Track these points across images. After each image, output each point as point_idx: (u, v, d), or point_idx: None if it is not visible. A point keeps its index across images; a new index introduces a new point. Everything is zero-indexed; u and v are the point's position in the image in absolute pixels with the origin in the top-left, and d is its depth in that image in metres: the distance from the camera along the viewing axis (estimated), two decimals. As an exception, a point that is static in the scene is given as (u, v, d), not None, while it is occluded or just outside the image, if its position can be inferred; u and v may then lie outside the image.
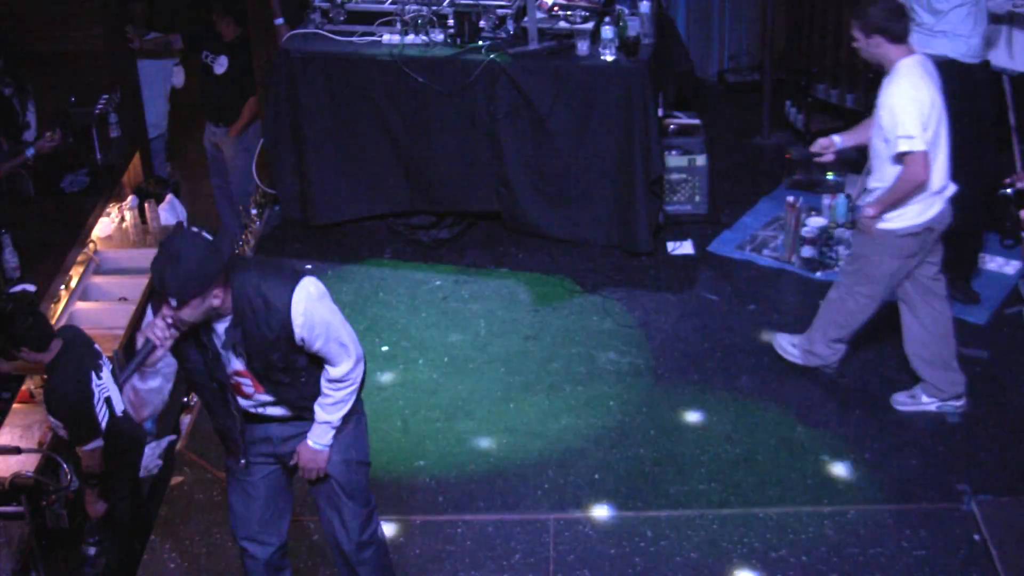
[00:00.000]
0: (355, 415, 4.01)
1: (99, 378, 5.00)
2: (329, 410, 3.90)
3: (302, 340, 3.71)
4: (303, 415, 3.94)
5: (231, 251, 3.58)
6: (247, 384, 3.82)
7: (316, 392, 3.89)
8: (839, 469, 5.10)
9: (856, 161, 5.76)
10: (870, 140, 5.07)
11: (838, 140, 5.25)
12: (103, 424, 4.89)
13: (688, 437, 5.33)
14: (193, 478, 5.24)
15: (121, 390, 3.86)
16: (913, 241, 5.06)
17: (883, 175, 4.99)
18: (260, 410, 3.92)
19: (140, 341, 3.59)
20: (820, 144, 5.28)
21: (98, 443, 4.87)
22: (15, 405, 5.54)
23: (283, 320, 3.66)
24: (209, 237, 3.56)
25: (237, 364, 3.77)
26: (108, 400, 5.02)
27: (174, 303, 3.47)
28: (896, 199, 4.94)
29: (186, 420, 5.77)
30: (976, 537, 4.68)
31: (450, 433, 5.41)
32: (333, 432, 3.93)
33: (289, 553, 4.78)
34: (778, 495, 4.98)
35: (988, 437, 5.22)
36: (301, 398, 3.90)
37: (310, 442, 3.93)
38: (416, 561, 4.73)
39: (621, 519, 4.90)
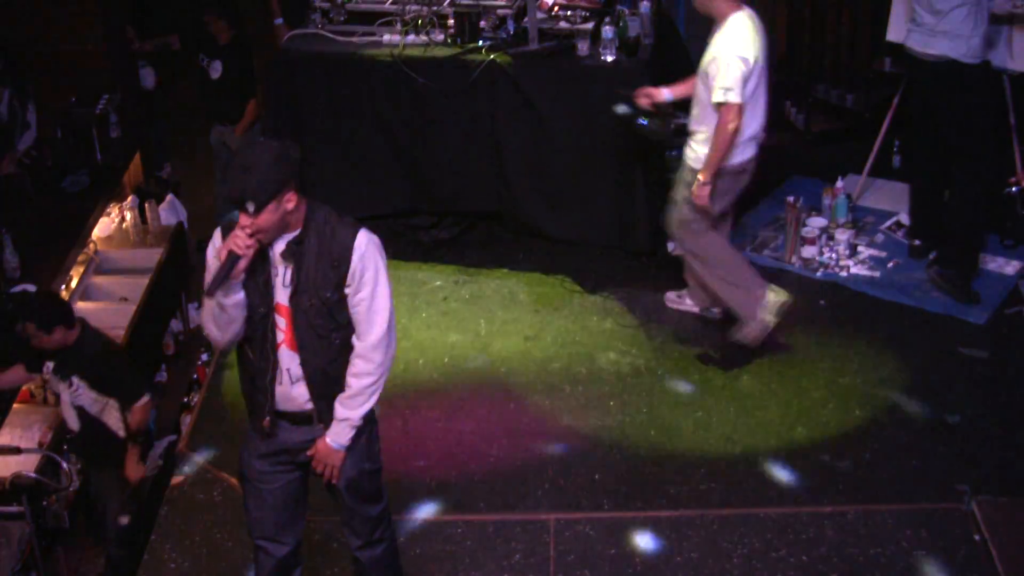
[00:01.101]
0: (370, 424, 3.96)
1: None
2: (349, 405, 3.81)
3: (351, 280, 3.67)
4: (319, 406, 3.84)
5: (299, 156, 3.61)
6: (281, 328, 3.73)
7: (339, 375, 3.80)
8: (839, 469, 5.10)
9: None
10: (695, 86, 5.49)
11: (667, 94, 5.68)
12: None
13: (688, 437, 5.33)
14: (193, 478, 5.24)
15: (203, 307, 3.78)
16: (743, 177, 5.54)
17: (703, 119, 5.41)
18: (282, 377, 3.79)
19: (223, 256, 3.60)
20: (646, 91, 5.72)
21: (146, 398, 5.01)
22: (15, 405, 5.55)
23: (344, 249, 3.65)
24: (277, 143, 3.61)
25: (282, 296, 3.70)
26: None
27: (252, 209, 3.51)
28: (718, 153, 5.34)
29: (186, 420, 5.78)
30: (976, 537, 4.68)
31: (450, 433, 5.41)
32: (353, 433, 3.86)
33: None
34: (778, 495, 4.98)
35: (988, 437, 5.22)
36: (324, 371, 3.78)
37: (328, 440, 3.86)
38: (416, 561, 4.73)
39: (621, 519, 4.90)
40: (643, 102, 5.71)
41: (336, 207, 6.89)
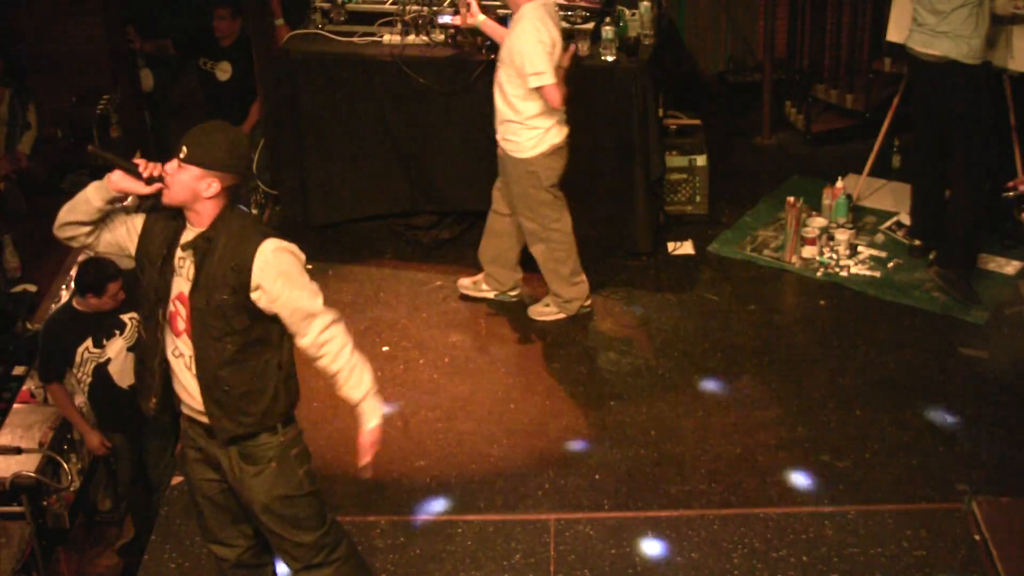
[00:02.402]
0: (290, 447, 3.86)
1: (98, 345, 5.14)
2: (348, 383, 3.73)
3: (256, 288, 3.60)
4: (213, 412, 3.73)
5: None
6: (181, 315, 3.69)
7: (234, 386, 3.69)
8: (839, 469, 5.10)
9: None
10: (496, 71, 5.73)
11: (481, 17, 5.95)
12: (80, 383, 5.12)
13: (688, 437, 5.33)
14: (193, 478, 5.24)
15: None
16: (557, 158, 5.72)
17: (513, 111, 5.66)
18: (176, 363, 3.74)
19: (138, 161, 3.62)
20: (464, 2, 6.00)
21: (51, 386, 5.15)
22: (15, 405, 5.55)
23: (247, 257, 3.59)
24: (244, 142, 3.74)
25: (184, 285, 3.66)
26: (98, 369, 5.08)
27: (182, 155, 3.56)
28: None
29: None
30: (976, 537, 4.68)
31: (450, 433, 5.41)
32: (378, 400, 3.78)
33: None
34: (778, 495, 4.98)
35: (988, 437, 5.22)
36: (215, 375, 3.68)
37: (364, 427, 3.78)
38: (416, 561, 4.73)
39: (621, 519, 4.90)
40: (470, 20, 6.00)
41: (336, 207, 6.97)
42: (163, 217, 3.70)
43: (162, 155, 8.23)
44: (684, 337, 5.99)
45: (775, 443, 5.26)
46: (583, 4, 6.54)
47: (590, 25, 6.46)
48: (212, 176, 3.58)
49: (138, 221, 3.75)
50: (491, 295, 6.26)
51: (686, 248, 6.68)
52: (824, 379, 5.63)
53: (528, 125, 5.66)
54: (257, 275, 3.61)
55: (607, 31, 6.30)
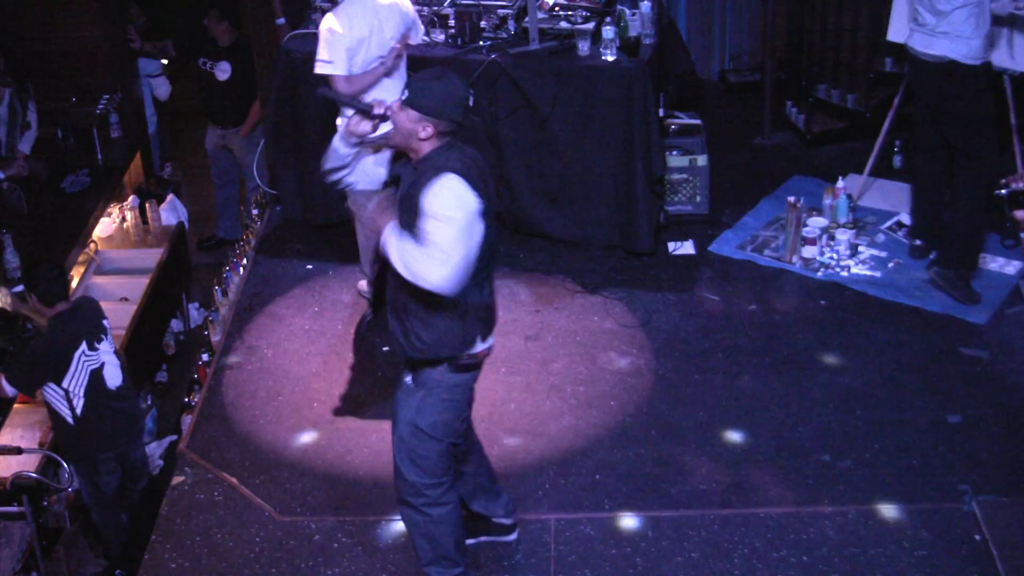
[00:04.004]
0: (429, 388, 4.11)
1: (92, 349, 5.08)
2: (397, 237, 3.85)
3: (423, 212, 3.81)
4: (393, 327, 4.07)
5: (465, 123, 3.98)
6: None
7: (411, 311, 3.98)
8: (839, 469, 5.10)
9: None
10: None
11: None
12: (75, 393, 5.05)
13: (689, 437, 5.33)
14: (193, 478, 5.24)
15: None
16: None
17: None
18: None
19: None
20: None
21: (10, 392, 5.10)
22: (16, 405, 5.56)
23: (425, 184, 3.82)
24: (470, 100, 3.96)
25: (398, 199, 3.97)
26: (95, 372, 5.07)
27: (403, 97, 3.88)
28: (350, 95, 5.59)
29: (187, 420, 5.78)
30: (976, 537, 4.68)
31: (451, 433, 5.40)
32: (391, 233, 3.86)
33: (289, 553, 4.81)
34: (778, 495, 4.98)
35: (988, 437, 5.22)
36: (401, 294, 3.97)
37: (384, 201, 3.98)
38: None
39: (621, 519, 4.90)
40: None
41: (336, 207, 6.98)
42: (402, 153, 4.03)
43: (162, 156, 8.28)
44: (684, 337, 5.99)
45: (775, 443, 5.26)
46: (583, 4, 6.55)
47: (590, 25, 6.46)
48: (427, 120, 3.85)
49: (384, 155, 4.14)
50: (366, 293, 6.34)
51: (686, 248, 6.68)
52: (824, 379, 5.63)
53: None
54: (425, 197, 3.82)
55: (607, 31, 6.30)
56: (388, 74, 5.74)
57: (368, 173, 4.16)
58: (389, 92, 5.62)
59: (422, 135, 3.88)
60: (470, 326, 4.04)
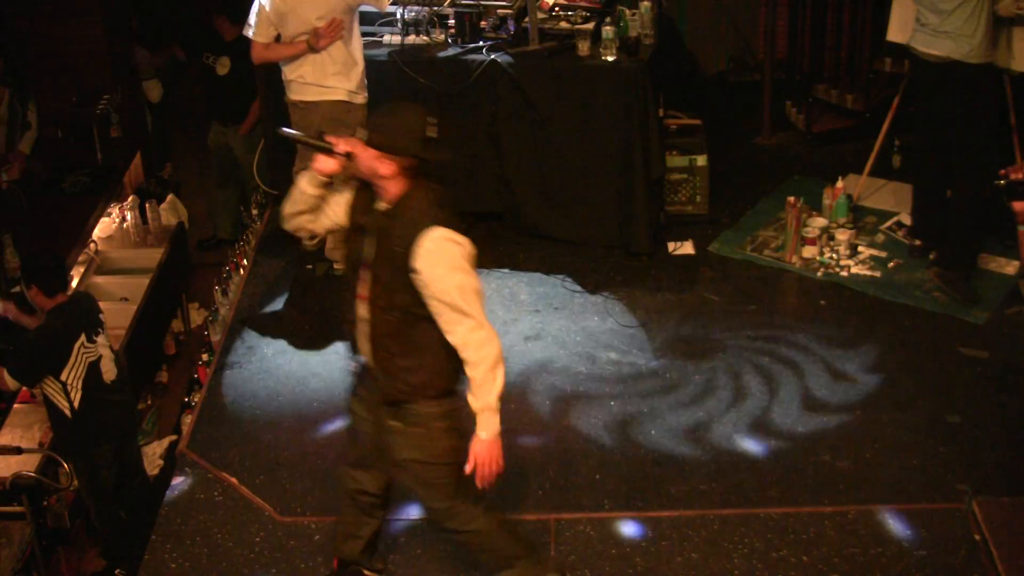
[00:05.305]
0: (428, 423, 3.99)
1: (91, 341, 5.09)
2: (476, 393, 3.82)
3: (416, 272, 3.75)
4: (375, 372, 3.94)
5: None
6: (365, 281, 3.90)
7: (396, 353, 3.88)
8: (839, 469, 5.10)
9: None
10: None
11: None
12: (73, 385, 5.03)
13: (689, 437, 5.33)
14: (193, 478, 5.24)
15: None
16: (308, 115, 6.11)
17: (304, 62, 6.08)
18: (359, 324, 3.94)
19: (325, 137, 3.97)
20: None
21: (12, 386, 5.07)
22: (16, 405, 5.56)
23: (414, 239, 3.74)
24: (433, 131, 3.79)
25: (369, 255, 3.88)
26: (93, 365, 5.07)
27: (363, 136, 3.78)
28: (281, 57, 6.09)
29: (187, 420, 5.78)
30: (976, 537, 4.68)
31: (450, 433, 5.40)
32: (495, 419, 3.84)
33: (289, 553, 4.81)
34: (779, 495, 4.98)
35: (988, 437, 5.22)
36: (382, 341, 3.89)
37: (479, 434, 3.87)
38: (417, 561, 4.73)
39: (621, 519, 4.90)
40: None
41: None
42: (367, 188, 3.92)
43: (163, 156, 8.29)
44: (685, 337, 5.99)
45: (775, 443, 5.26)
46: (583, 4, 6.55)
47: (590, 25, 6.46)
48: (386, 158, 3.77)
49: (349, 195, 3.99)
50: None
51: (686, 248, 6.68)
52: (825, 379, 5.63)
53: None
54: (417, 259, 3.74)
55: (607, 31, 6.30)
56: (315, 50, 5.95)
57: (332, 215, 4.04)
58: (316, 68, 5.98)
59: (384, 172, 3.79)
60: (457, 365, 3.92)
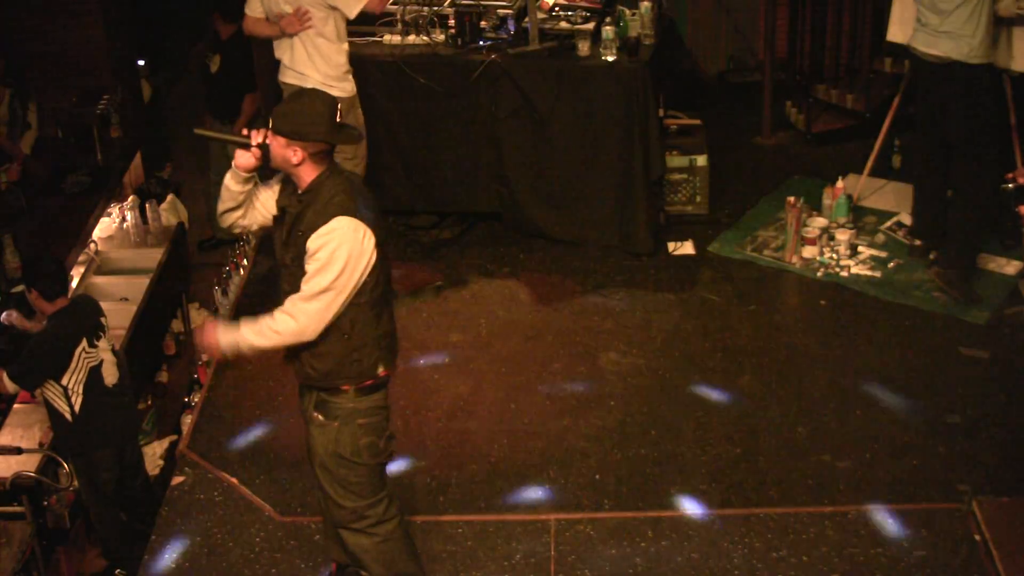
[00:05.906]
0: (344, 418, 4.01)
1: (92, 346, 5.08)
2: (255, 324, 3.88)
3: (308, 255, 3.79)
4: (288, 356, 4.02)
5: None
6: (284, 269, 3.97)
7: (310, 351, 3.92)
8: (839, 469, 5.10)
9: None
10: None
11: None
12: (74, 390, 5.01)
13: (689, 437, 5.33)
14: (193, 478, 5.24)
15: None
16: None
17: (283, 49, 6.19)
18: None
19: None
20: None
21: (11, 389, 5.06)
22: (16, 405, 5.55)
23: (314, 228, 3.78)
24: (336, 115, 3.85)
25: (280, 238, 3.96)
26: (94, 369, 5.06)
27: (271, 125, 3.82)
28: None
29: (187, 420, 5.78)
30: (976, 537, 4.68)
31: (450, 433, 5.41)
32: (240, 344, 3.91)
33: (289, 553, 4.81)
34: (779, 495, 4.98)
35: (988, 437, 5.22)
36: None
37: (220, 324, 3.97)
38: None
39: (622, 519, 4.90)
40: None
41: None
42: (291, 181, 3.94)
43: (163, 157, 8.28)
44: (684, 337, 5.99)
45: (775, 443, 5.26)
46: (583, 4, 6.55)
47: (590, 25, 6.47)
48: (294, 144, 3.79)
49: (276, 188, 4.03)
50: None
51: (686, 248, 6.68)
52: (824, 379, 5.63)
53: None
54: (312, 242, 3.78)
55: (607, 31, 6.30)
56: (289, 35, 6.00)
57: (263, 208, 4.05)
58: (291, 53, 6.02)
59: (295, 160, 3.82)
60: (368, 357, 3.97)
